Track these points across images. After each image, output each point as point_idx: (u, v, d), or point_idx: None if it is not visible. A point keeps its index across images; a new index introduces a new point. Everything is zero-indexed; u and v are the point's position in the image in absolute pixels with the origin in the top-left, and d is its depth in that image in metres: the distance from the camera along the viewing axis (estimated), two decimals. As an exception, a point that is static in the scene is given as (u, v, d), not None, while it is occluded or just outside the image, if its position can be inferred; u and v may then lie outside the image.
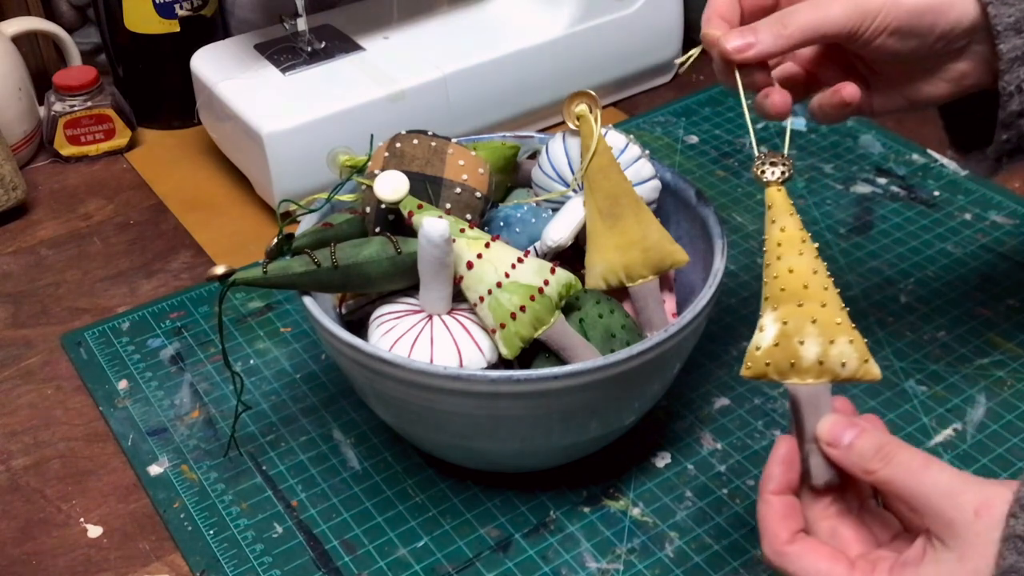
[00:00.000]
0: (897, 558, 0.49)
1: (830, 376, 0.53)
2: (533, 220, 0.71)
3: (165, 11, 1.00)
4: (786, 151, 0.57)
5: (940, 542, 0.47)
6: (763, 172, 0.56)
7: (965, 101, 0.65)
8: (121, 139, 1.02)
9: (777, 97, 0.61)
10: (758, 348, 0.53)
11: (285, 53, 0.95)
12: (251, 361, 0.79)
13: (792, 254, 0.54)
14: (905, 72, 0.63)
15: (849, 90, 0.62)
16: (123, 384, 0.78)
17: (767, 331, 0.53)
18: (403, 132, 0.68)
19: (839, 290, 0.54)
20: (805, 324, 0.52)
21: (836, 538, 0.51)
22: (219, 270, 0.62)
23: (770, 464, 0.52)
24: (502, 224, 0.71)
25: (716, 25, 0.60)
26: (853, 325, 0.53)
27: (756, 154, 0.57)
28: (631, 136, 0.72)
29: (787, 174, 0.56)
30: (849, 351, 0.52)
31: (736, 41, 0.59)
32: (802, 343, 0.52)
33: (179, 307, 0.84)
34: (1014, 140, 0.62)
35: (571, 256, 0.71)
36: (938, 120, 0.69)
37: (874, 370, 0.53)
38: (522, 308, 0.62)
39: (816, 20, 0.58)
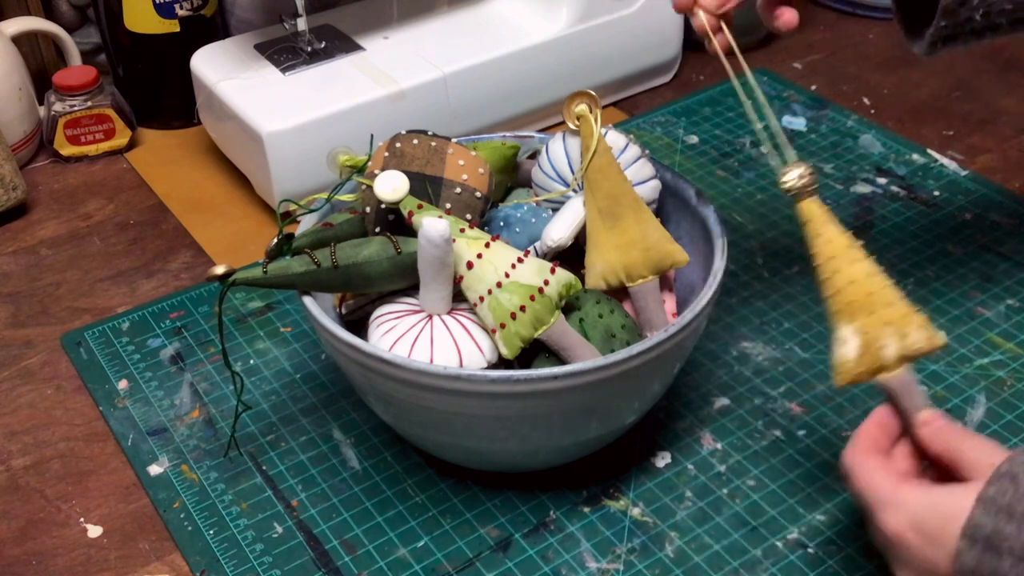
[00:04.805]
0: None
1: (910, 361, 0.58)
2: (533, 220, 0.71)
3: (165, 11, 1.00)
4: (792, 157, 0.60)
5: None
6: (791, 186, 0.59)
7: None
8: (121, 139, 1.02)
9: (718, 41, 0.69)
10: (846, 360, 0.58)
11: (285, 53, 0.95)
12: (251, 361, 0.79)
13: (846, 265, 0.58)
14: None
15: (787, 17, 0.69)
16: (123, 384, 0.78)
17: (849, 343, 0.58)
18: (403, 132, 0.68)
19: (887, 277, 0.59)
20: (882, 330, 0.57)
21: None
22: (219, 270, 0.62)
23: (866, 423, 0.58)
24: (502, 224, 0.71)
25: None
26: (909, 306, 0.58)
27: (782, 167, 0.60)
28: (631, 136, 0.72)
29: (815, 184, 0.59)
30: (919, 336, 0.57)
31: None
32: (883, 347, 0.57)
33: (179, 307, 0.84)
34: (950, 27, 0.64)
35: (571, 256, 0.71)
36: (937, 121, 0.69)
37: (938, 339, 0.58)
38: (522, 308, 0.62)
39: None
